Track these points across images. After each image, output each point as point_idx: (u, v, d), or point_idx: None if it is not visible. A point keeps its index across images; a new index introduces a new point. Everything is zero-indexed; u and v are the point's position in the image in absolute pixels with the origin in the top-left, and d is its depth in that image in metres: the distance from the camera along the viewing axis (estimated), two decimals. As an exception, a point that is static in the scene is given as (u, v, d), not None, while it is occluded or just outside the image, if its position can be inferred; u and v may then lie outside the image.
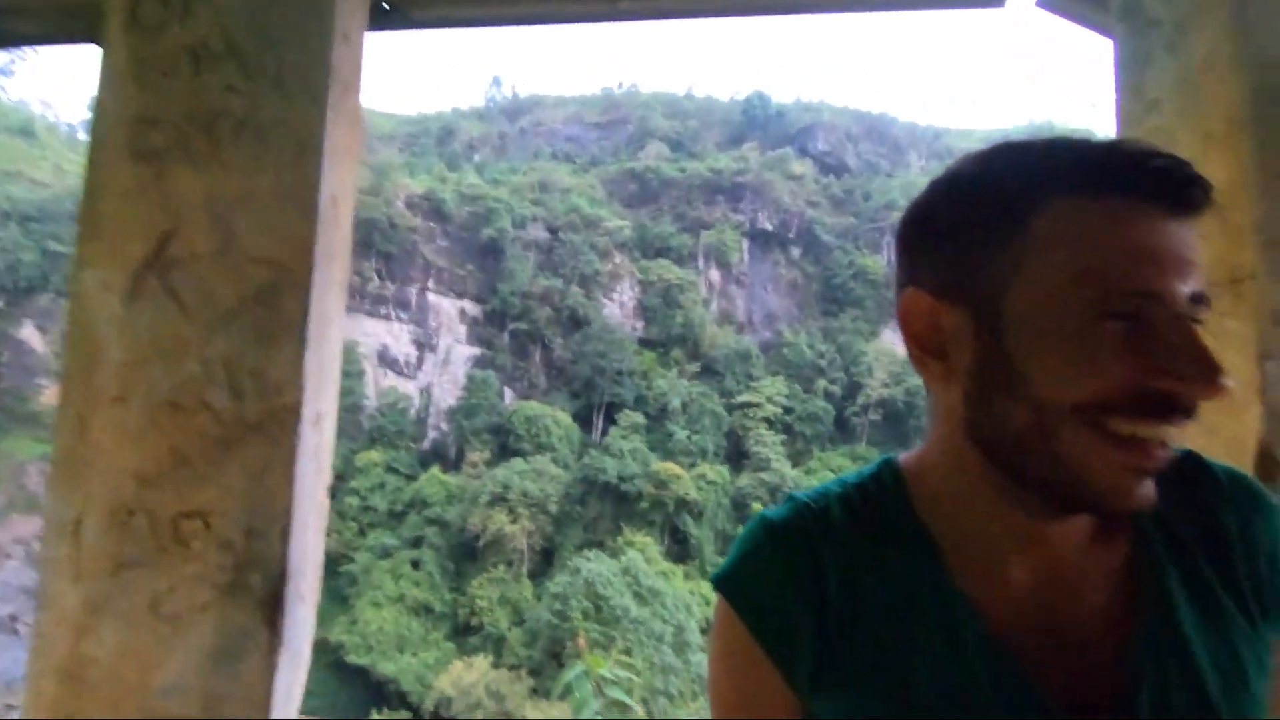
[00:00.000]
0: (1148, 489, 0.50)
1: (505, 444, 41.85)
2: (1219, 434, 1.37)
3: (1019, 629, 0.54)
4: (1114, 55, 1.63)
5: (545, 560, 36.84)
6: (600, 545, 34.23)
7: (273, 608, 0.91)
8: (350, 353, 43.40)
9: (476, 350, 47.48)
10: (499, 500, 36.33)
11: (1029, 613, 0.55)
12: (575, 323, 47.53)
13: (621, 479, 37.57)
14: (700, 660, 24.37)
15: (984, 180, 0.54)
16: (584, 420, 45.02)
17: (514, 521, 35.67)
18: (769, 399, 43.61)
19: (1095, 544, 0.57)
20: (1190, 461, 0.60)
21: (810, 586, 0.57)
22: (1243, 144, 1.38)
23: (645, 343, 48.42)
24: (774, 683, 0.57)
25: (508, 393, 46.54)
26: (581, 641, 2.62)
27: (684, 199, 53.77)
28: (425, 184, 48.88)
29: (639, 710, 2.56)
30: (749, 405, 43.80)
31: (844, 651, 0.56)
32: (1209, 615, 0.55)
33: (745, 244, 52.64)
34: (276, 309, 0.92)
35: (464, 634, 33.29)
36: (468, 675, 24.40)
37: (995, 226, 0.52)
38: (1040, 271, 0.50)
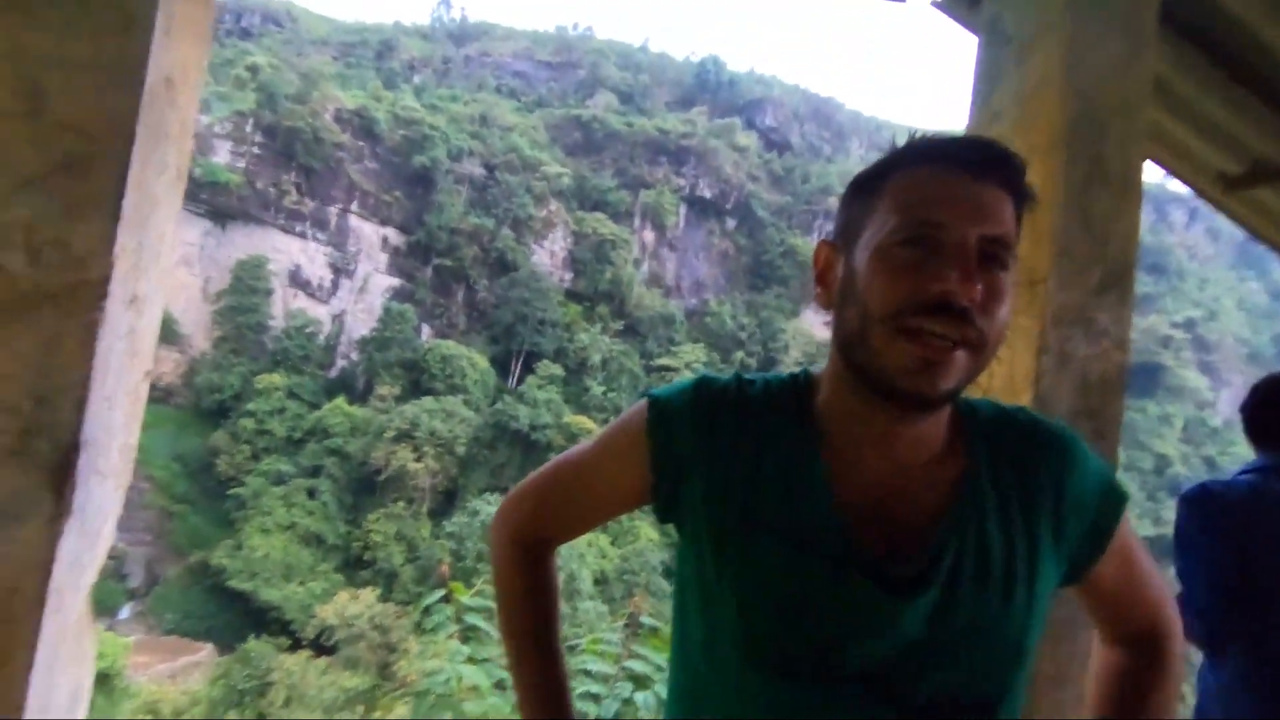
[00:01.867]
0: (935, 379, 0.63)
1: (417, 381, 40.95)
2: (1000, 415, 1.56)
3: (862, 505, 0.69)
4: (974, 65, 1.75)
5: (447, 501, 36.64)
6: (504, 491, 34.28)
7: (60, 476, 0.93)
8: (258, 268, 40.89)
9: (396, 281, 45.84)
10: (405, 436, 35.70)
11: (874, 496, 0.70)
12: (503, 266, 46.56)
13: (533, 428, 37.58)
14: (588, 607, 25.06)
15: (877, 160, 0.72)
16: (501, 365, 44.55)
17: (419, 459, 35.19)
18: (687, 365, 44.35)
19: (942, 459, 0.72)
20: (1026, 414, 0.77)
21: (705, 427, 0.74)
22: (1057, 160, 1.54)
23: (572, 295, 48.05)
24: (638, 469, 0.76)
25: (425, 329, 45.34)
26: (444, 569, 2.72)
27: (627, 155, 53.05)
28: (358, 99, 46.09)
29: (495, 634, 2.70)
30: (667, 369, 44.44)
31: (709, 482, 0.72)
32: (1007, 525, 0.70)
33: (683, 209, 52.67)
34: (87, 180, 0.91)
35: (355, 567, 32.86)
36: (353, 606, 24.15)
37: (866, 189, 0.70)
38: (878, 217, 0.67)
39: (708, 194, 52.38)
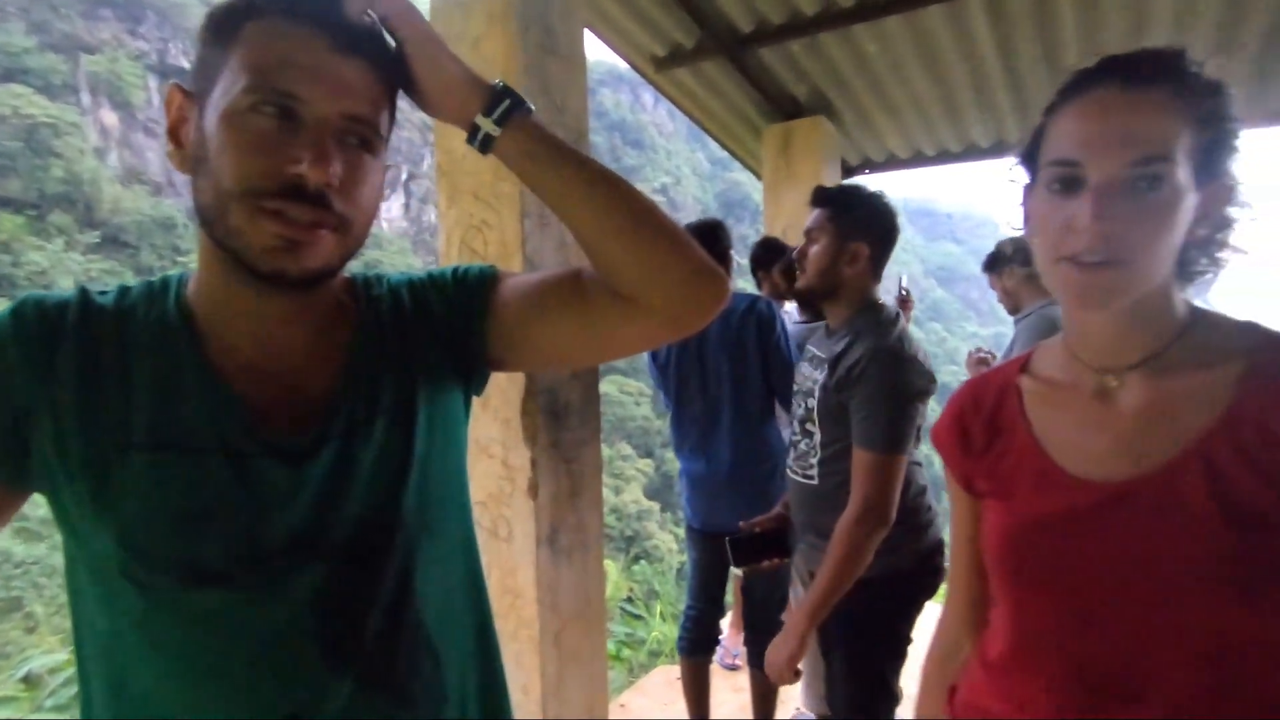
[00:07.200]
0: (299, 259, 0.61)
1: None
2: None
3: (260, 388, 0.67)
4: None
5: None
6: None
7: None
8: None
9: None
10: None
11: (271, 375, 0.68)
12: None
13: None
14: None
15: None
16: (-104, 314, 30.83)
17: None
18: (205, 276, 37.50)
19: (335, 325, 0.73)
20: (406, 275, 0.80)
21: (40, 358, 0.61)
22: (512, 29, 1.62)
23: (3, 202, 35.13)
24: None
25: None
26: None
27: (46, 5, 39.11)
28: None
29: None
30: (178, 284, 36.84)
31: (60, 421, 0.61)
32: (397, 367, 0.73)
33: (153, 81, 41.97)
34: None
35: None
36: None
37: (221, 33, 0.62)
38: (229, 73, 0.60)
39: (185, 61, 42.49)
